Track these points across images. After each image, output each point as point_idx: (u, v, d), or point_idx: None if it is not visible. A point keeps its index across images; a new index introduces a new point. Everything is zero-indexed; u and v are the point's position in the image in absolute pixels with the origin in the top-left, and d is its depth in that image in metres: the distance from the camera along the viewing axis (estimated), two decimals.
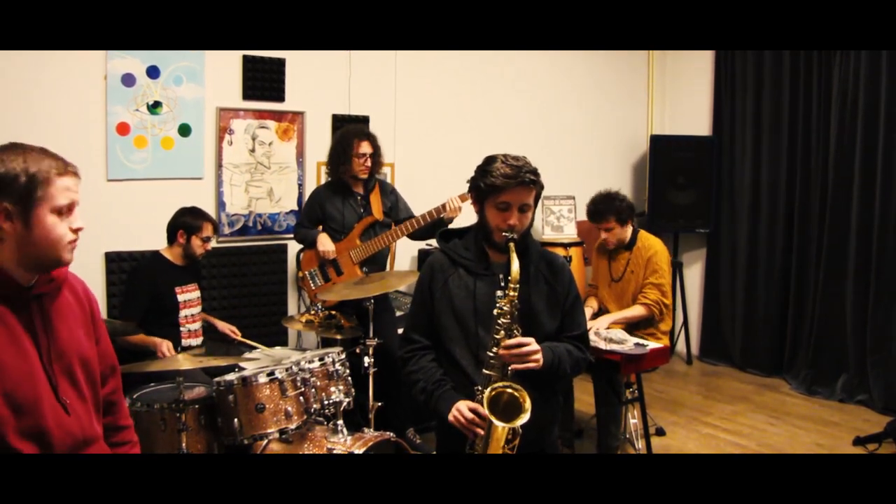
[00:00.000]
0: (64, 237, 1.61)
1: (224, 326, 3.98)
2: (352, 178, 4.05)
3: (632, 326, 3.91)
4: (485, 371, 2.17)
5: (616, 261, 4.08)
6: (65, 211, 1.61)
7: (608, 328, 3.81)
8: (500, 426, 2.06)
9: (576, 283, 2.41)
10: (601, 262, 4.20)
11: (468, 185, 2.34)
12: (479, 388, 2.16)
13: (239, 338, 3.96)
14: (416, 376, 2.34)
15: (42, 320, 1.63)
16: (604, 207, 3.97)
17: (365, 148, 4.00)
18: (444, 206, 3.87)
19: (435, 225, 3.93)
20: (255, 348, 3.82)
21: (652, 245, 3.99)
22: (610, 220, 3.96)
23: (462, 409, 2.16)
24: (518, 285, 2.14)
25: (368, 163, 4.01)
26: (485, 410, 2.08)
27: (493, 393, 2.10)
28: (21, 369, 1.57)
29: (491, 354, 2.16)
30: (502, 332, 2.15)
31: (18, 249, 1.58)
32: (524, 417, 2.06)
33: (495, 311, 2.16)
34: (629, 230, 4.02)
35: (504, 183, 2.18)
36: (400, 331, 4.07)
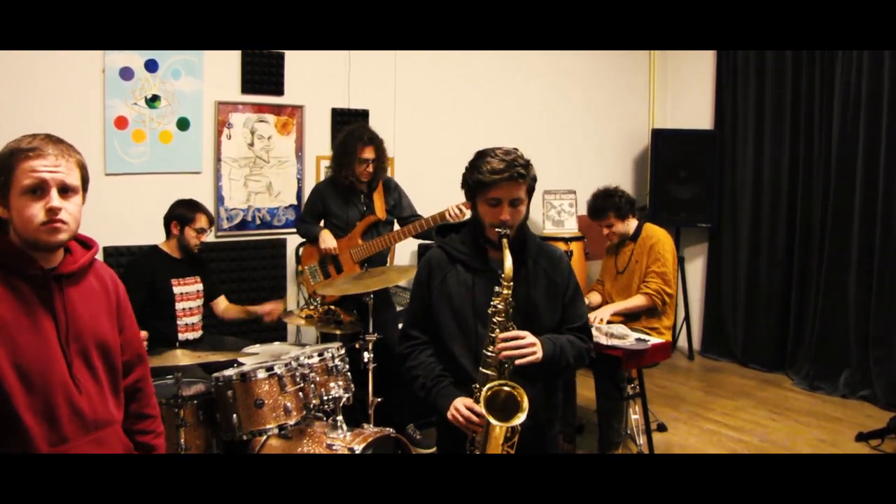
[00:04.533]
0: (35, 217, 1.61)
1: (263, 309, 3.94)
2: (354, 179, 4.01)
3: (632, 319, 3.90)
4: (482, 370, 2.14)
5: (621, 253, 4.09)
6: (36, 191, 1.62)
7: (609, 321, 3.81)
8: (498, 426, 2.04)
9: (575, 274, 2.38)
10: (608, 258, 4.21)
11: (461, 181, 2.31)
12: (477, 386, 2.13)
13: (279, 312, 3.96)
14: (415, 372, 2.32)
15: (62, 300, 1.68)
16: (602, 204, 4.00)
17: (368, 154, 3.94)
18: (443, 214, 3.83)
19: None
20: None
21: (655, 234, 4.00)
22: (609, 217, 3.99)
23: (460, 407, 2.13)
24: (512, 283, 2.11)
25: (370, 168, 3.98)
26: (482, 410, 2.06)
27: (490, 392, 2.08)
28: (35, 345, 1.61)
29: (488, 353, 2.13)
30: (497, 330, 2.12)
31: (13, 231, 1.65)
32: (521, 416, 2.03)
33: (490, 310, 2.13)
34: (631, 224, 4.04)
35: (492, 179, 2.15)
36: (400, 326, 4.06)
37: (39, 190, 1.62)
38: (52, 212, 1.62)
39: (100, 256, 3.95)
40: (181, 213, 3.68)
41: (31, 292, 1.64)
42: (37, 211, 1.61)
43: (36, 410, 1.60)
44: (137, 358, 1.92)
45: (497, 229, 2.16)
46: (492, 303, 2.13)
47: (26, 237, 1.64)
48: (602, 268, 4.33)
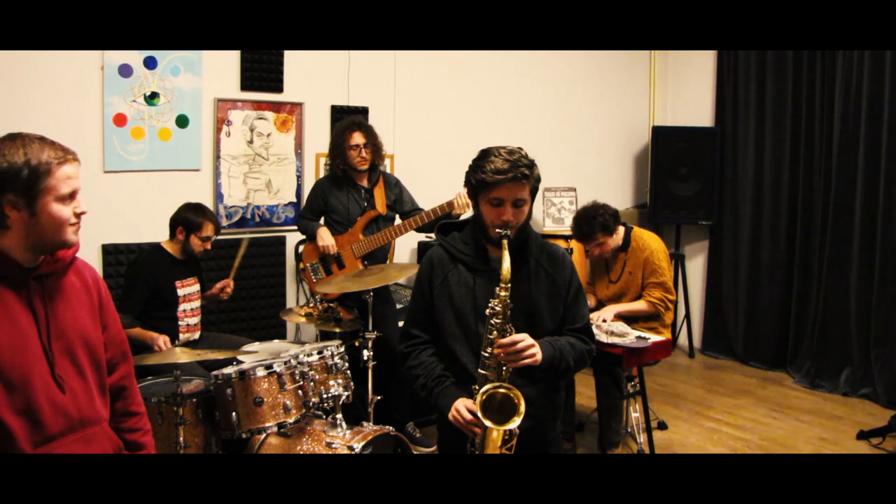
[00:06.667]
0: (67, 221, 1.68)
1: (215, 288, 3.89)
2: (352, 170, 4.01)
3: (632, 320, 3.88)
4: (481, 371, 2.12)
5: (613, 263, 4.02)
6: (68, 197, 1.68)
7: (613, 320, 3.79)
8: (495, 429, 2.02)
9: (577, 274, 2.36)
10: (599, 267, 4.14)
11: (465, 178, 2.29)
12: (476, 387, 2.12)
13: (230, 291, 3.89)
14: (416, 371, 2.30)
15: (42, 299, 1.68)
16: (588, 229, 3.85)
17: (357, 139, 3.94)
18: (451, 203, 3.80)
19: (441, 220, 3.89)
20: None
21: (647, 244, 3.91)
22: (598, 237, 3.86)
23: (461, 409, 2.12)
24: (509, 285, 2.09)
25: (363, 153, 3.96)
26: (478, 413, 2.04)
27: (485, 396, 2.06)
28: (14, 345, 1.60)
29: (485, 355, 2.12)
30: (495, 332, 2.10)
31: (26, 235, 1.65)
32: (517, 420, 2.01)
33: (487, 312, 2.11)
34: (620, 234, 3.93)
35: (495, 179, 2.12)
36: (400, 324, 4.06)
37: (70, 196, 1.69)
38: (79, 215, 1.72)
39: (95, 254, 4.01)
40: (189, 219, 3.63)
41: (10, 292, 1.64)
42: (68, 214, 1.68)
43: (17, 410, 1.60)
44: (122, 356, 1.91)
45: (498, 230, 2.14)
46: (489, 304, 2.11)
47: (51, 240, 1.67)
48: (592, 274, 4.26)
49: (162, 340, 3.36)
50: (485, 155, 2.19)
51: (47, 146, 1.66)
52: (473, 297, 2.22)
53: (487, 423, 2.02)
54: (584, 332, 2.31)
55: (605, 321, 3.73)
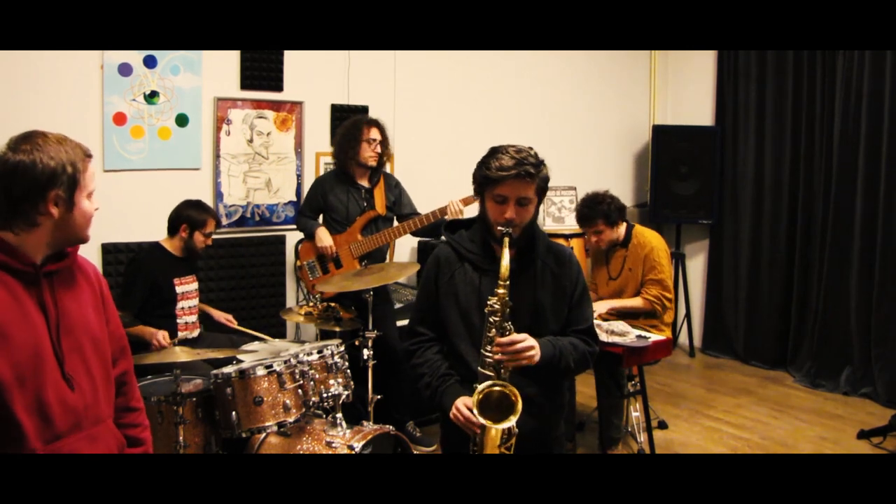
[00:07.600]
0: (92, 217, 1.74)
1: (220, 315, 3.97)
2: (359, 166, 4.00)
3: (633, 317, 3.88)
4: (481, 370, 2.12)
5: (613, 259, 4.03)
6: (92, 193, 1.74)
7: (607, 317, 3.79)
8: (493, 428, 2.01)
9: (583, 275, 2.36)
10: (599, 262, 4.15)
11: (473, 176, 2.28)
12: (476, 386, 2.11)
13: (235, 326, 3.94)
14: (421, 370, 2.30)
15: (52, 297, 1.68)
16: (590, 212, 3.90)
17: (374, 134, 3.98)
18: (445, 209, 3.82)
19: (436, 225, 3.90)
20: (253, 337, 3.80)
21: (648, 241, 3.92)
22: (598, 224, 3.90)
23: (461, 407, 2.12)
24: (507, 282, 2.08)
25: (378, 149, 3.98)
26: (475, 412, 2.03)
27: (482, 395, 2.05)
28: (28, 343, 1.61)
29: (485, 353, 2.11)
30: (493, 329, 2.10)
31: (54, 232, 1.67)
32: (513, 419, 2.01)
33: (486, 310, 2.11)
34: (621, 229, 3.96)
35: (499, 176, 2.12)
36: (399, 323, 4.07)
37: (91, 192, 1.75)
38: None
39: (95, 253, 4.01)
40: (192, 217, 3.67)
41: (22, 289, 1.63)
42: (93, 210, 1.74)
43: (29, 407, 1.60)
44: (121, 351, 1.91)
45: (501, 227, 2.14)
46: (488, 302, 2.11)
47: (75, 236, 1.71)
48: (593, 272, 4.28)
49: (161, 335, 3.38)
50: (493, 152, 2.19)
51: (76, 144, 1.70)
52: (479, 296, 2.22)
53: (484, 421, 2.02)
54: (587, 334, 2.31)
55: (600, 316, 3.74)
